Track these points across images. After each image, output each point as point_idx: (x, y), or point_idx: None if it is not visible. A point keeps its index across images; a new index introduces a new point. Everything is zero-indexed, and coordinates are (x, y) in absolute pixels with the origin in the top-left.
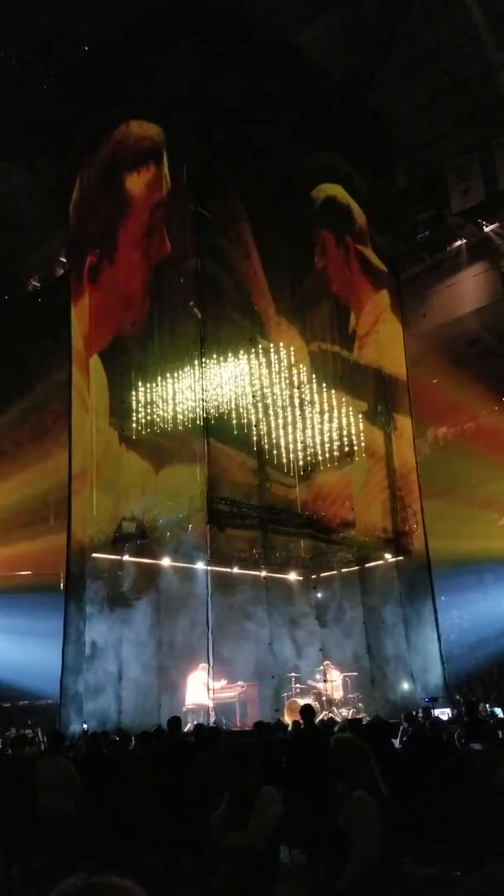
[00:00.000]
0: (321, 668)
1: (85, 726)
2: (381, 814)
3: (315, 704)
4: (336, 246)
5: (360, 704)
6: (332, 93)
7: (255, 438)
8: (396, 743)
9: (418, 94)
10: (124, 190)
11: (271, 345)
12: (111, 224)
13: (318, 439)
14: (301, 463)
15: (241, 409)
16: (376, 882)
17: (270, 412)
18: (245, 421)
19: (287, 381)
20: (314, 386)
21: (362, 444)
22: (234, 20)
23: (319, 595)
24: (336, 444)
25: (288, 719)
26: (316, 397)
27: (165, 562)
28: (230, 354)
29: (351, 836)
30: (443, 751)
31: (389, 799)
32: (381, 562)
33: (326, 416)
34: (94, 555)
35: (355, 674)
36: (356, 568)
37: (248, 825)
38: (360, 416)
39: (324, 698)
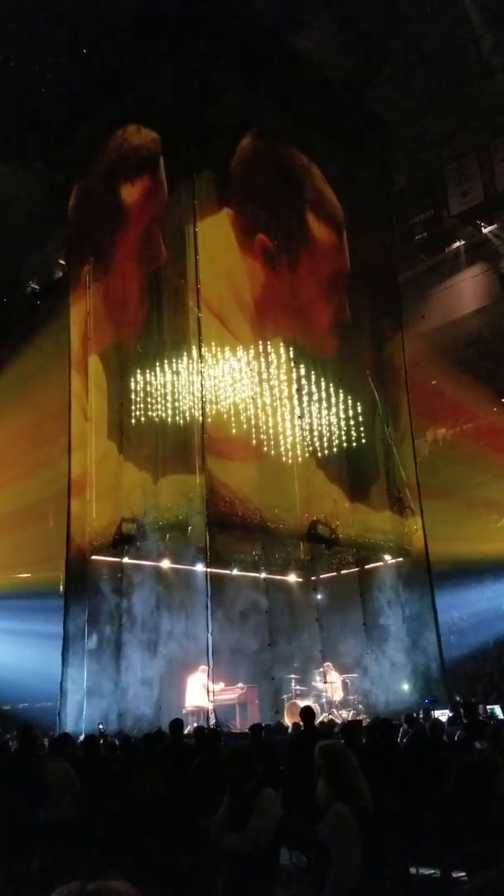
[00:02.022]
0: (321, 669)
1: (101, 727)
2: (362, 828)
3: (315, 706)
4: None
5: (360, 706)
6: (330, 95)
7: (254, 440)
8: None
9: (417, 95)
10: (121, 196)
11: (270, 346)
12: (109, 228)
13: (317, 441)
14: (300, 464)
15: (240, 410)
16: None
17: (269, 413)
18: (244, 422)
19: (286, 383)
20: (313, 387)
21: (362, 445)
22: (232, 23)
23: (319, 597)
24: (335, 445)
25: (288, 721)
26: (315, 398)
27: (165, 564)
28: (229, 356)
29: (330, 852)
30: (443, 752)
31: (379, 806)
32: (380, 563)
33: (325, 418)
34: (94, 557)
35: (355, 675)
36: (356, 569)
37: (248, 827)
38: (360, 417)
39: (324, 700)
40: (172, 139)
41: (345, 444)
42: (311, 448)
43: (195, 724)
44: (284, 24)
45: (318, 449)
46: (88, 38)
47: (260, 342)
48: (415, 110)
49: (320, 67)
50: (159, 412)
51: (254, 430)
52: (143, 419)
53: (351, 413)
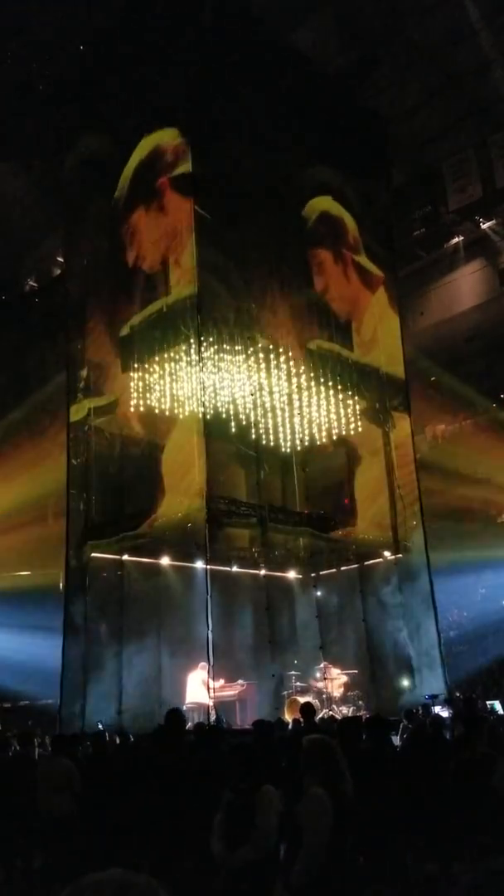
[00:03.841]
0: (321, 666)
1: (100, 724)
2: (337, 812)
3: (315, 702)
4: (335, 263)
5: (360, 702)
6: (327, 91)
7: (253, 437)
8: (396, 740)
9: (414, 91)
10: (122, 195)
11: (270, 344)
12: (108, 228)
13: (316, 437)
14: (300, 461)
15: (239, 407)
16: (328, 877)
17: (269, 410)
18: (244, 419)
19: (286, 380)
20: (313, 384)
21: (361, 442)
22: (229, 20)
23: (319, 593)
24: (335, 442)
25: (288, 717)
26: (314, 395)
27: (165, 561)
28: (229, 353)
29: (302, 832)
30: (443, 748)
31: (357, 800)
32: (380, 559)
33: (325, 415)
34: (94, 554)
35: (355, 671)
36: (356, 566)
37: (253, 834)
38: (359, 414)
39: (324, 696)
40: (169, 142)
41: (344, 441)
42: (310, 444)
43: (195, 721)
44: (281, 19)
45: (318, 445)
46: (85, 35)
47: (260, 339)
48: (413, 106)
49: (317, 63)
50: (159, 409)
51: (253, 426)
52: (142, 417)
53: (351, 410)
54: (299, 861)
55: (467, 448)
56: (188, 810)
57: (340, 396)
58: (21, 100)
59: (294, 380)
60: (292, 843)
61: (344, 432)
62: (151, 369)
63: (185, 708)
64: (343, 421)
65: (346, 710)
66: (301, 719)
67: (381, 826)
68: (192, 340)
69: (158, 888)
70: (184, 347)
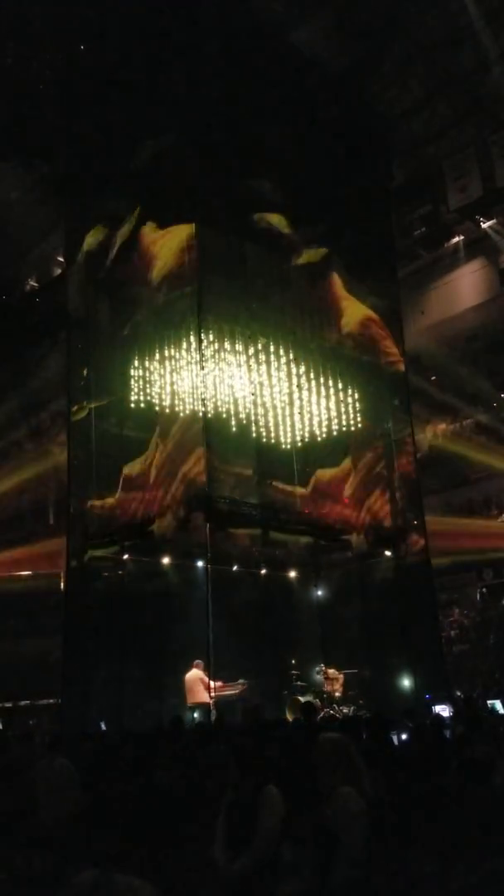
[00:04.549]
0: (321, 666)
1: (102, 725)
2: (368, 811)
3: (315, 702)
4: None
5: (360, 702)
6: (328, 90)
7: (254, 435)
8: (396, 740)
9: (415, 90)
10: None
11: (271, 343)
12: (111, 233)
13: (317, 435)
14: (300, 460)
15: (240, 406)
16: (366, 879)
17: (269, 409)
18: (244, 418)
19: (286, 379)
20: (313, 383)
21: (361, 441)
22: (228, 16)
23: (319, 593)
24: (335, 441)
25: (289, 717)
26: (315, 394)
27: (165, 560)
28: (230, 351)
29: (337, 834)
30: (443, 747)
31: (378, 798)
32: (380, 559)
33: (325, 414)
34: (95, 553)
35: (355, 671)
36: (356, 565)
37: (257, 836)
38: (359, 412)
39: (324, 696)
40: (169, 146)
41: (345, 440)
42: (310, 443)
43: (196, 721)
44: (281, 18)
45: (318, 444)
46: (86, 34)
47: (260, 338)
48: (413, 105)
49: (318, 62)
50: (159, 409)
51: (254, 425)
52: (142, 416)
53: (351, 409)
54: (338, 864)
55: (467, 448)
56: (189, 811)
57: (341, 395)
58: (21, 97)
59: (294, 378)
60: (324, 846)
61: (345, 430)
62: (152, 368)
63: (187, 707)
64: (343, 419)
65: (346, 710)
66: (301, 719)
67: (381, 826)
68: (192, 339)
69: (146, 887)
70: (184, 346)
